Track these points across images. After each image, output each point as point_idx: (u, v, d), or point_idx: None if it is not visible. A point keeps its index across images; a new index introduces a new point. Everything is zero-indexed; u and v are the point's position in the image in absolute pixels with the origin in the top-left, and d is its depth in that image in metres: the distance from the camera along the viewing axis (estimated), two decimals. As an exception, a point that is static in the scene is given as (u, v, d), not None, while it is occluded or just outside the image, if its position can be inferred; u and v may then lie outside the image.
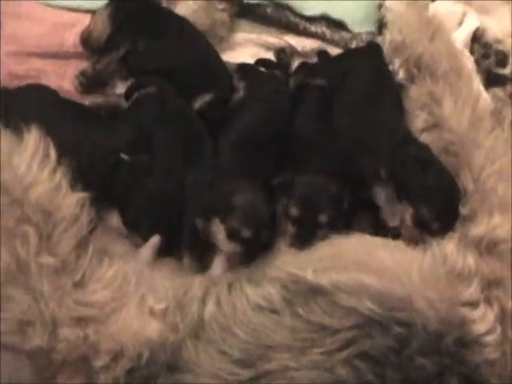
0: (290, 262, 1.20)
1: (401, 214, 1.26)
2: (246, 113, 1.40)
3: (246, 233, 1.20)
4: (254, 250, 1.23)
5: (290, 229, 1.25)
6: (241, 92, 1.44)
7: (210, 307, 1.15)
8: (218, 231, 1.22)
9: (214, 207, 1.23)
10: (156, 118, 1.36)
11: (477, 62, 1.52)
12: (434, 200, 1.25)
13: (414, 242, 1.24)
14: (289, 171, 1.30)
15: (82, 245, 1.16)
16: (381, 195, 1.27)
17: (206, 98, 1.42)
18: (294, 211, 1.24)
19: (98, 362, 1.08)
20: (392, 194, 1.26)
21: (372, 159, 1.30)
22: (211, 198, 1.25)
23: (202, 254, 1.26)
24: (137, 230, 1.28)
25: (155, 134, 1.34)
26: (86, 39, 1.52)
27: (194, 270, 1.25)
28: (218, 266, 1.23)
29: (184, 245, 1.27)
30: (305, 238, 1.24)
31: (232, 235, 1.21)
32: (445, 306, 1.13)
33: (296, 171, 1.29)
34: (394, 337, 1.10)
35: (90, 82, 1.47)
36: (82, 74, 1.48)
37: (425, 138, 1.37)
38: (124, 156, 1.31)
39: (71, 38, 1.55)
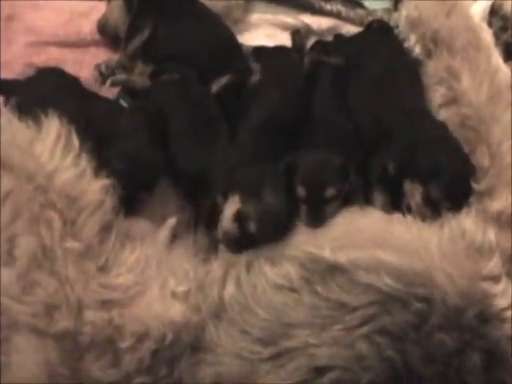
0: (306, 241, 1.23)
1: (411, 193, 1.28)
2: (263, 97, 1.43)
3: (252, 227, 1.23)
4: (246, 246, 1.24)
5: (303, 208, 1.28)
6: (257, 75, 1.47)
7: (230, 288, 1.20)
8: (230, 207, 1.25)
9: (241, 185, 1.25)
10: (173, 101, 1.41)
11: (495, 35, 1.52)
12: (444, 178, 1.25)
13: (425, 220, 1.25)
14: (294, 152, 1.32)
15: (105, 230, 1.21)
16: (377, 199, 1.31)
17: (223, 80, 1.47)
18: (300, 191, 1.28)
19: (124, 344, 1.14)
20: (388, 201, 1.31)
21: (383, 148, 1.33)
22: (241, 176, 1.27)
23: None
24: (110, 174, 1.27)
25: (171, 117, 1.38)
26: (102, 27, 1.59)
27: (207, 247, 1.28)
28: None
29: (200, 221, 1.30)
30: (316, 216, 1.27)
31: (239, 218, 1.23)
32: (465, 281, 1.15)
33: (304, 150, 1.32)
34: (413, 312, 1.12)
35: (111, 73, 1.53)
36: (106, 64, 1.54)
37: (443, 113, 1.40)
38: (122, 102, 1.38)
39: (88, 26, 1.61)
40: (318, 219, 1.27)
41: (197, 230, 1.30)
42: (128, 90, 1.51)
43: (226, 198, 1.26)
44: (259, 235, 1.23)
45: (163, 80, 1.46)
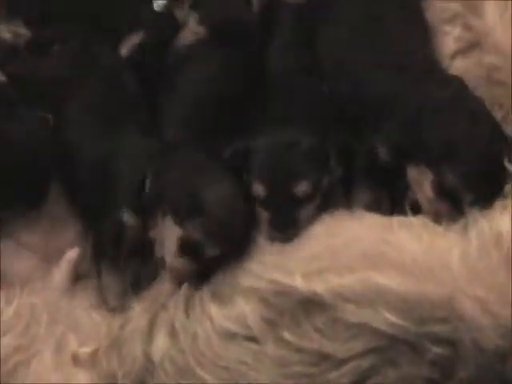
0: (270, 265, 1.12)
1: (417, 183, 1.19)
2: (197, 62, 1.35)
3: (211, 251, 1.13)
4: (212, 271, 1.16)
5: (264, 215, 1.17)
6: (190, 28, 1.40)
7: (161, 341, 1.11)
8: (169, 237, 1.14)
9: (168, 200, 1.16)
10: (71, 78, 1.32)
11: None
12: (464, 158, 1.15)
13: (439, 219, 1.15)
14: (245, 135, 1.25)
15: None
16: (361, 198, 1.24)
17: (134, 39, 1.39)
18: (258, 189, 1.16)
19: None
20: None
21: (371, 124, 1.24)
22: (161, 183, 1.17)
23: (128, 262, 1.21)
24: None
25: (68, 99, 1.30)
26: None
27: (115, 289, 1.19)
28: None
29: (100, 252, 1.21)
30: (283, 225, 1.16)
31: (188, 249, 1.13)
32: (506, 310, 1.04)
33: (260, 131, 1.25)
34: (430, 362, 1.03)
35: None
36: None
37: (459, 64, 1.31)
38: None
39: None
40: (286, 229, 1.16)
41: (100, 264, 1.21)
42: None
43: (140, 213, 1.18)
44: (224, 251, 1.13)
45: (56, 52, 1.37)
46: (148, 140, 1.27)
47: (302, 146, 1.18)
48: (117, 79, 1.35)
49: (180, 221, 1.13)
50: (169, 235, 1.15)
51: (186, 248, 1.14)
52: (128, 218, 1.19)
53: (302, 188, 1.16)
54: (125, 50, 1.40)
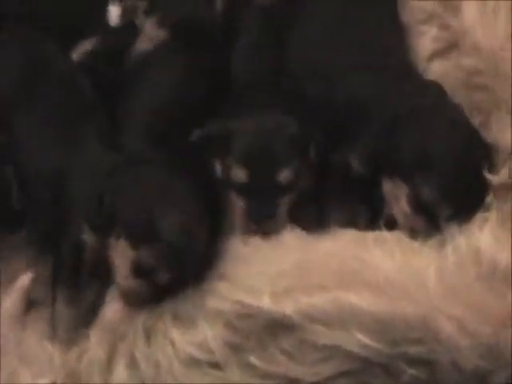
0: (235, 285, 1.08)
1: (393, 197, 1.15)
2: (158, 69, 1.30)
3: (163, 275, 1.09)
4: (165, 294, 1.12)
5: (240, 205, 1.13)
6: (147, 34, 1.36)
7: (120, 372, 1.06)
8: (122, 258, 1.10)
9: (123, 222, 1.11)
10: (17, 84, 1.27)
11: None
12: (441, 170, 1.11)
13: (415, 234, 1.12)
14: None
15: None
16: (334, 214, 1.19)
17: (86, 46, 1.36)
18: (239, 174, 1.12)
19: None
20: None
21: (346, 127, 1.20)
22: (117, 202, 1.13)
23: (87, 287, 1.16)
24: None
25: (17, 106, 1.25)
26: None
27: (68, 320, 1.13)
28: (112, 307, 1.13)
29: (58, 275, 1.15)
30: (264, 213, 1.13)
31: (140, 272, 1.09)
32: (485, 329, 1.02)
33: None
34: None
35: None
36: None
37: (436, 67, 1.28)
38: None
39: None
40: (264, 219, 1.12)
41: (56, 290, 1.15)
42: None
43: (98, 231, 1.13)
44: (176, 278, 1.10)
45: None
46: (107, 151, 1.23)
47: (286, 132, 1.15)
48: (71, 84, 1.30)
49: (134, 244, 1.10)
50: (121, 256, 1.11)
51: (139, 271, 1.11)
52: (88, 236, 1.16)
53: (285, 176, 1.13)
54: (75, 55, 1.36)
